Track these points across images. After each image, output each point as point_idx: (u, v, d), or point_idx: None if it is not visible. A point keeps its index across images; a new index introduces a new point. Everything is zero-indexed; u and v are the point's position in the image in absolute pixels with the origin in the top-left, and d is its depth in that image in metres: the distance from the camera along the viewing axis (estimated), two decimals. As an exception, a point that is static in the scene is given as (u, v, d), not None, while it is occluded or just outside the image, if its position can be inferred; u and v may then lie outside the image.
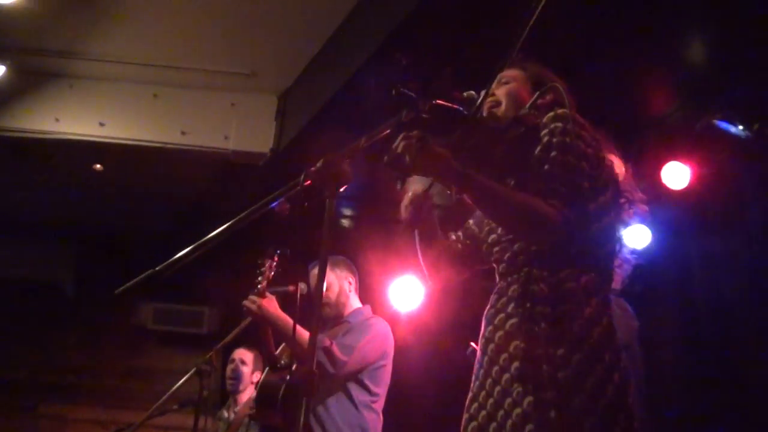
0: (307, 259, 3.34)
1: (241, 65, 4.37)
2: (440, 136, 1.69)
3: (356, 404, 3.09)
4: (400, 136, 1.64)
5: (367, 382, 3.12)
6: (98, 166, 4.98)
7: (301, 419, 1.38)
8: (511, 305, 1.79)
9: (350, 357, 3.00)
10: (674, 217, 4.09)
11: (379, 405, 3.19)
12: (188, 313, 6.39)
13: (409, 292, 5.09)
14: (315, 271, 3.19)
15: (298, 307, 2.98)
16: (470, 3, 3.38)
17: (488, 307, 1.89)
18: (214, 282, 5.96)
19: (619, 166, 1.95)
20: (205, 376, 2.76)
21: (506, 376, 1.72)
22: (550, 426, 1.60)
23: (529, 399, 1.65)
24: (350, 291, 3.34)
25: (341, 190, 1.49)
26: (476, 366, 1.86)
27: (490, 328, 1.83)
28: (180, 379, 3.40)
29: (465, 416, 1.83)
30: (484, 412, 1.76)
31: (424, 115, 1.69)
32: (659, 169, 4.04)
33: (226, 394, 4.47)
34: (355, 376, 3.10)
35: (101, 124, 4.43)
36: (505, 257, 1.87)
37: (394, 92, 1.68)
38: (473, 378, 1.87)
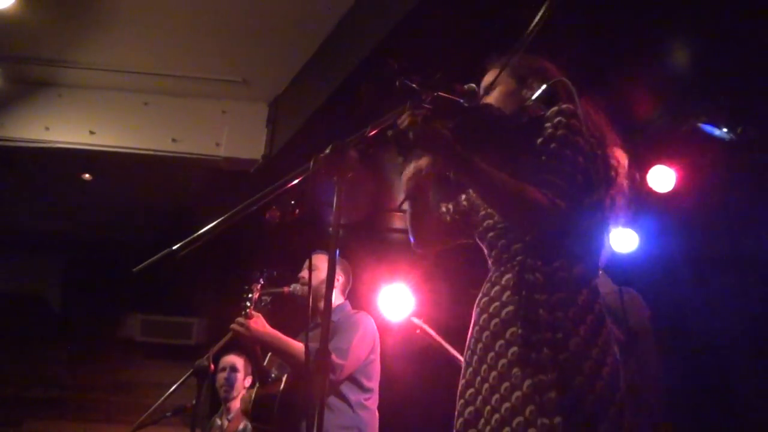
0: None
1: (232, 73, 4.39)
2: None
3: (351, 405, 3.11)
4: (406, 113, 1.68)
5: (360, 378, 3.15)
6: (87, 175, 4.97)
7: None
8: (507, 293, 1.84)
9: (347, 360, 3.03)
10: (660, 220, 4.15)
11: (373, 402, 3.21)
12: (176, 325, 6.35)
13: (398, 300, 5.10)
14: (317, 255, 3.26)
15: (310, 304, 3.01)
16: (461, 10, 3.43)
17: (480, 296, 1.94)
18: (203, 293, 5.95)
19: (623, 158, 2.00)
20: (203, 376, 2.76)
21: (503, 361, 1.77)
22: (551, 406, 1.64)
23: (528, 382, 1.69)
24: (335, 287, 3.38)
25: (349, 176, 1.52)
26: (467, 354, 1.91)
27: (485, 316, 1.87)
28: (169, 390, 3.40)
29: (460, 402, 1.87)
30: (480, 398, 1.80)
31: (426, 106, 1.73)
32: (645, 172, 4.11)
33: (217, 403, 4.45)
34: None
35: (91, 133, 4.42)
36: (499, 244, 1.92)
37: (397, 83, 1.72)
38: (464, 366, 1.91)
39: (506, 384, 1.74)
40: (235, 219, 1.51)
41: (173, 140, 4.45)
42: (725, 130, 3.80)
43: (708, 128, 3.88)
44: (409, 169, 2.02)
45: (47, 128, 4.43)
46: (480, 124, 1.82)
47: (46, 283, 6.51)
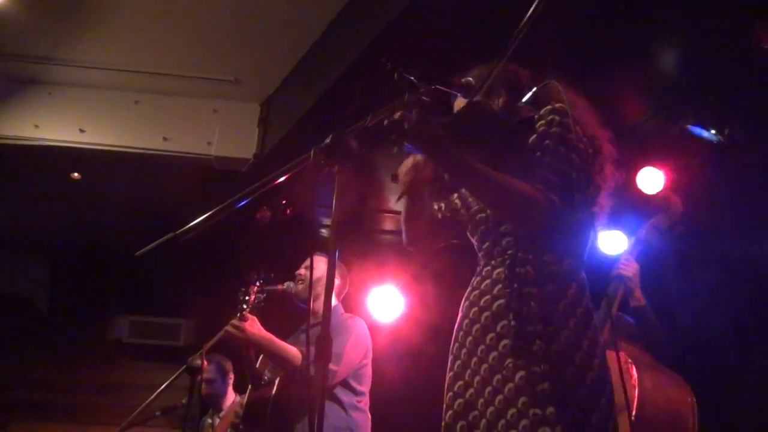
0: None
1: (224, 72, 4.39)
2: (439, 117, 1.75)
3: (344, 407, 3.13)
4: (403, 106, 1.70)
5: (352, 382, 3.17)
6: (76, 174, 4.93)
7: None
8: (498, 287, 1.86)
9: (340, 365, 3.04)
10: (649, 222, 4.17)
11: (366, 403, 3.23)
12: (165, 326, 6.31)
13: (388, 301, 5.12)
14: (316, 257, 3.30)
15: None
16: (453, 11, 3.45)
17: (470, 289, 1.96)
18: (191, 294, 5.92)
19: (613, 156, 2.04)
20: (196, 373, 2.76)
21: (494, 354, 1.79)
22: (543, 397, 1.66)
23: (521, 373, 1.71)
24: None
25: (349, 165, 1.53)
26: (455, 347, 1.92)
27: (475, 309, 1.89)
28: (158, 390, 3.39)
29: (448, 395, 1.88)
30: (471, 390, 1.82)
31: (424, 98, 1.74)
32: (634, 174, 4.14)
33: (205, 406, 4.45)
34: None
35: (81, 131, 4.40)
36: (490, 238, 1.95)
37: (396, 76, 1.73)
38: (452, 359, 1.92)
39: (498, 376, 1.76)
40: (238, 204, 1.51)
41: (164, 139, 4.44)
42: (713, 131, 3.84)
43: (696, 130, 3.91)
44: (407, 164, 2.04)
45: (37, 126, 4.40)
46: (473, 120, 1.84)
47: (33, 284, 6.44)
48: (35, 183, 5.13)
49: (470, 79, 1.88)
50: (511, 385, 1.72)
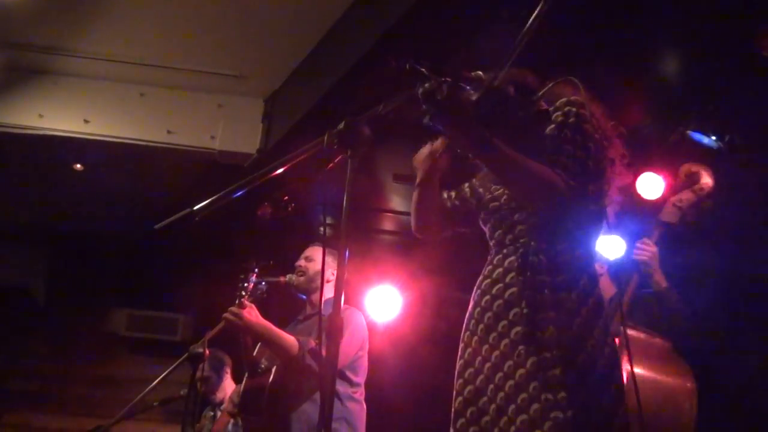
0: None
1: (229, 67, 4.40)
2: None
3: (340, 398, 3.15)
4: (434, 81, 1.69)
5: (348, 374, 3.19)
6: (78, 165, 4.94)
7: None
8: (510, 275, 1.88)
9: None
10: (648, 227, 4.20)
11: (361, 394, 3.25)
12: (163, 320, 6.31)
13: (386, 301, 5.13)
14: (313, 247, 3.33)
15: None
16: (459, 10, 3.47)
17: (482, 278, 1.98)
18: (189, 289, 5.92)
19: (624, 152, 2.07)
20: (198, 361, 2.77)
21: (506, 341, 1.81)
22: (555, 381, 1.69)
23: (532, 359, 1.74)
24: (328, 282, 3.41)
25: (363, 151, 1.55)
26: (466, 335, 1.94)
27: (487, 297, 1.91)
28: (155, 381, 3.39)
29: (458, 382, 1.91)
30: (482, 376, 1.84)
31: (446, 79, 1.76)
32: (634, 179, 4.16)
33: (203, 403, 4.46)
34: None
35: (86, 121, 4.40)
36: (503, 226, 1.97)
37: (407, 67, 1.75)
38: (462, 347, 1.94)
39: (509, 362, 1.78)
40: (256, 182, 1.53)
41: (168, 132, 4.45)
42: (714, 138, 3.87)
43: (697, 136, 3.94)
44: (423, 151, 2.06)
45: (41, 115, 4.40)
46: (497, 103, 1.86)
47: (31, 275, 6.43)
48: (37, 173, 5.14)
49: (480, 72, 1.91)
50: (522, 370, 1.75)
